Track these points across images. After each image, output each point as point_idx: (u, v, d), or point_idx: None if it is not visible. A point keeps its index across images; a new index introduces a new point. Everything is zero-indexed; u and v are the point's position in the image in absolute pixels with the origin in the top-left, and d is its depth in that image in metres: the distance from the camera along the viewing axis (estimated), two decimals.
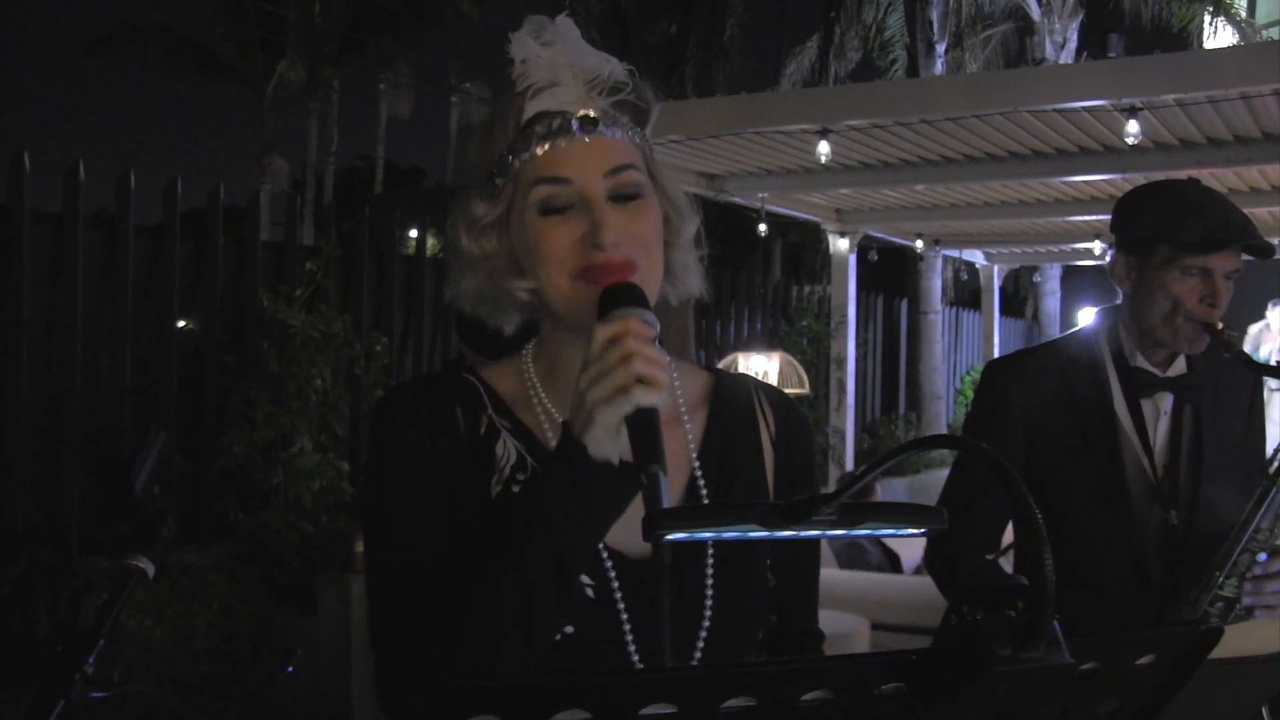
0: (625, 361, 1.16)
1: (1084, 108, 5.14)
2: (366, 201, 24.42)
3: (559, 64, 1.34)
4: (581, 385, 1.19)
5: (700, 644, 1.36)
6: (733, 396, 1.51)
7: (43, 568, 4.88)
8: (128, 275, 6.30)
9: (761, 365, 8.45)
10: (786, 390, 8.56)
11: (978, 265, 11.66)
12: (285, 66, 26.01)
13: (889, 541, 6.55)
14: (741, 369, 8.51)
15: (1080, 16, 16.72)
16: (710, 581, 1.37)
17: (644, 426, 1.16)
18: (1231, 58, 5.45)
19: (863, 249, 9.65)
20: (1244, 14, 15.51)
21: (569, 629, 1.29)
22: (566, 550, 1.22)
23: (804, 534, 1.09)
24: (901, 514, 1.13)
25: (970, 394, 15.25)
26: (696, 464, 1.43)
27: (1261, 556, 2.26)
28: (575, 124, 1.32)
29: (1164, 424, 2.50)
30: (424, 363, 8.09)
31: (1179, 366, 2.52)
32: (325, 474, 6.23)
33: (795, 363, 8.60)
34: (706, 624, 1.36)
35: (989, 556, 2.61)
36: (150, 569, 1.19)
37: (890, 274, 14.68)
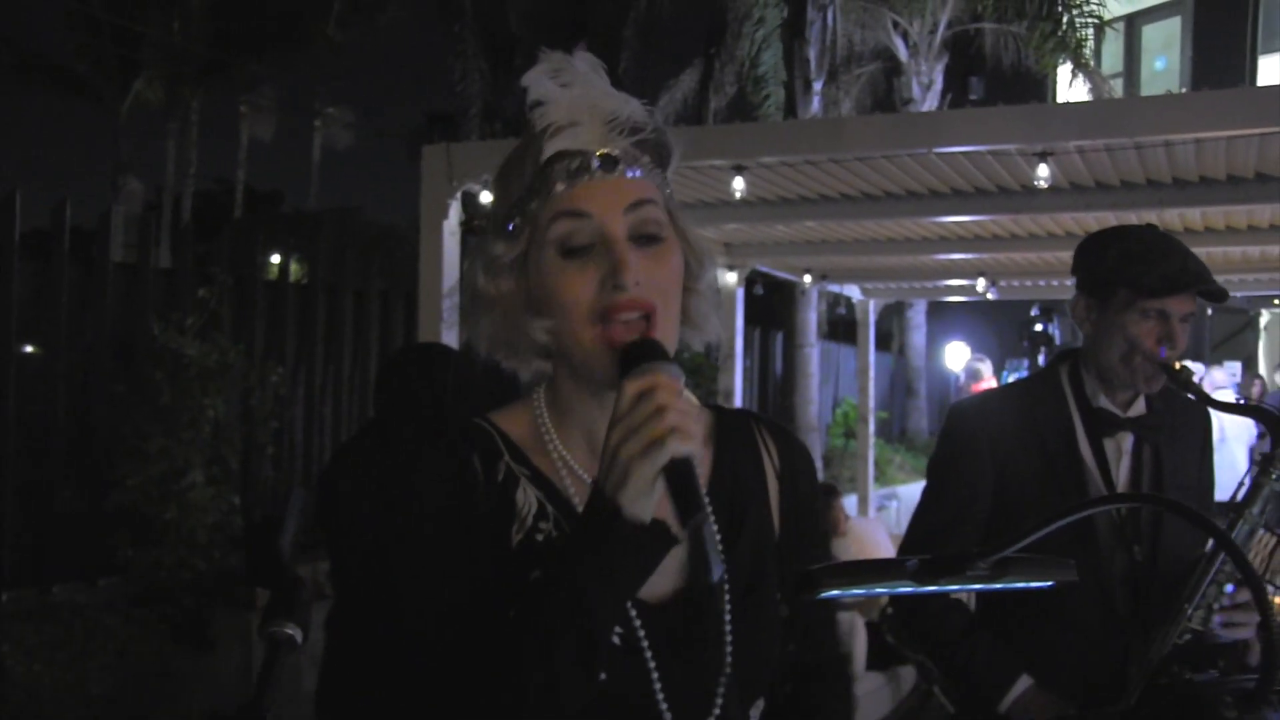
0: (658, 415, 1.15)
1: (990, 151, 5.30)
2: (224, 225, 23.84)
3: (578, 104, 1.33)
4: (613, 442, 1.17)
5: (723, 681, 1.35)
6: (735, 432, 1.51)
7: None
8: (11, 299, 6.01)
9: None
10: None
11: (854, 299, 11.88)
12: (142, 85, 25.28)
13: None
14: None
15: (945, 59, 17.29)
16: (729, 619, 1.37)
17: (682, 477, 1.15)
18: (1139, 108, 5.70)
19: (749, 283, 9.75)
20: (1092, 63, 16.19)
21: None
22: (599, 621, 1.19)
23: (952, 589, 1.11)
24: (1041, 567, 1.15)
25: (844, 426, 15.57)
26: (707, 501, 1.42)
27: (1229, 588, 2.33)
28: (595, 162, 1.31)
29: (1126, 463, 2.57)
30: (316, 392, 7.91)
31: (1139, 407, 2.59)
32: (220, 508, 6.03)
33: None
34: (729, 661, 1.36)
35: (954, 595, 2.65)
36: (299, 635, 1.13)
37: (767, 307, 14.87)
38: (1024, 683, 2.41)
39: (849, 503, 11.24)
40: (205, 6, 24.04)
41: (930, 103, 17.03)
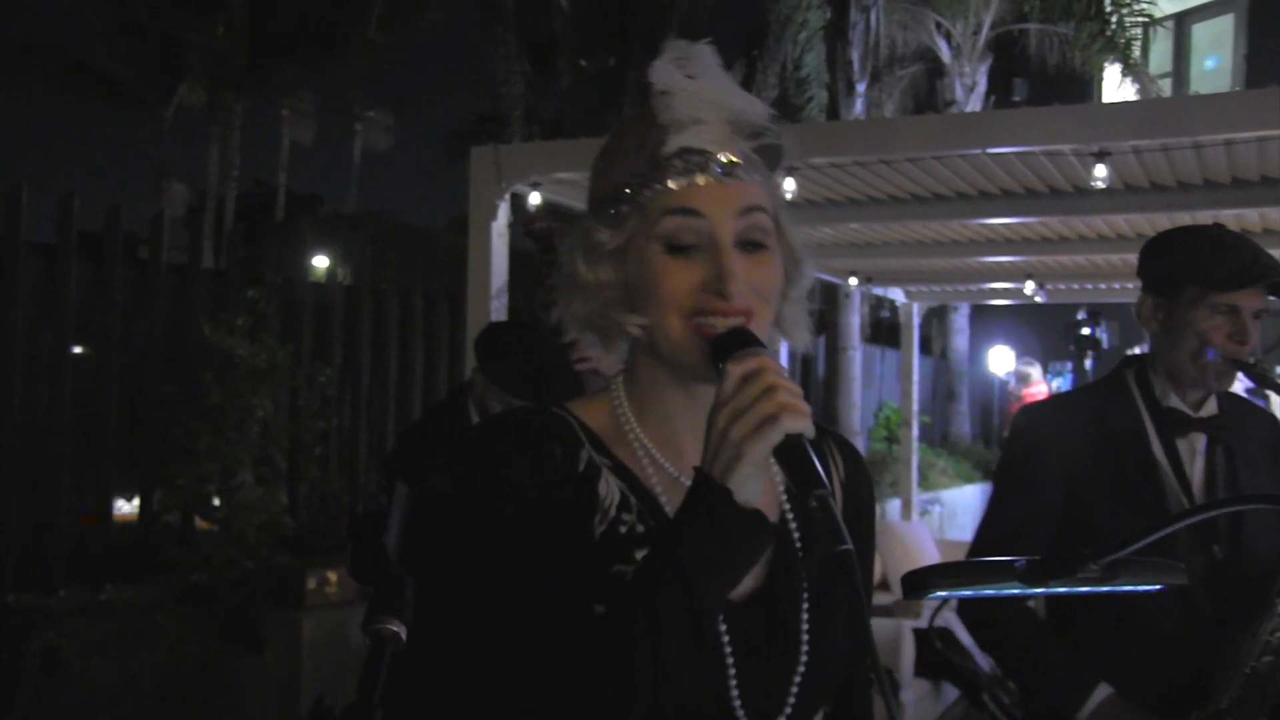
0: (769, 394, 1.14)
1: (1045, 151, 5.24)
2: (267, 228, 24.01)
3: (702, 100, 1.31)
4: (720, 425, 1.16)
5: (796, 685, 1.34)
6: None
7: None
8: (68, 302, 6.06)
9: None
10: None
11: (898, 303, 11.80)
12: (185, 90, 25.52)
13: None
14: None
15: (989, 60, 17.16)
16: (806, 622, 1.36)
17: (798, 453, 1.13)
18: (1198, 106, 5.61)
19: None
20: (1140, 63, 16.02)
21: None
22: (705, 606, 1.16)
23: (1062, 590, 1.08)
24: (1151, 571, 1.12)
25: (886, 430, 15.45)
26: (786, 505, 1.42)
27: None
28: (717, 167, 1.30)
29: (1199, 463, 2.53)
30: (363, 393, 7.94)
31: (1210, 408, 2.55)
32: (268, 508, 6.05)
33: None
34: (803, 665, 1.34)
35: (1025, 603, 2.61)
36: (403, 632, 1.11)
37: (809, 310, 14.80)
38: (1103, 691, 2.35)
39: (893, 507, 11.17)
40: (247, 11, 24.25)
41: (974, 105, 16.91)
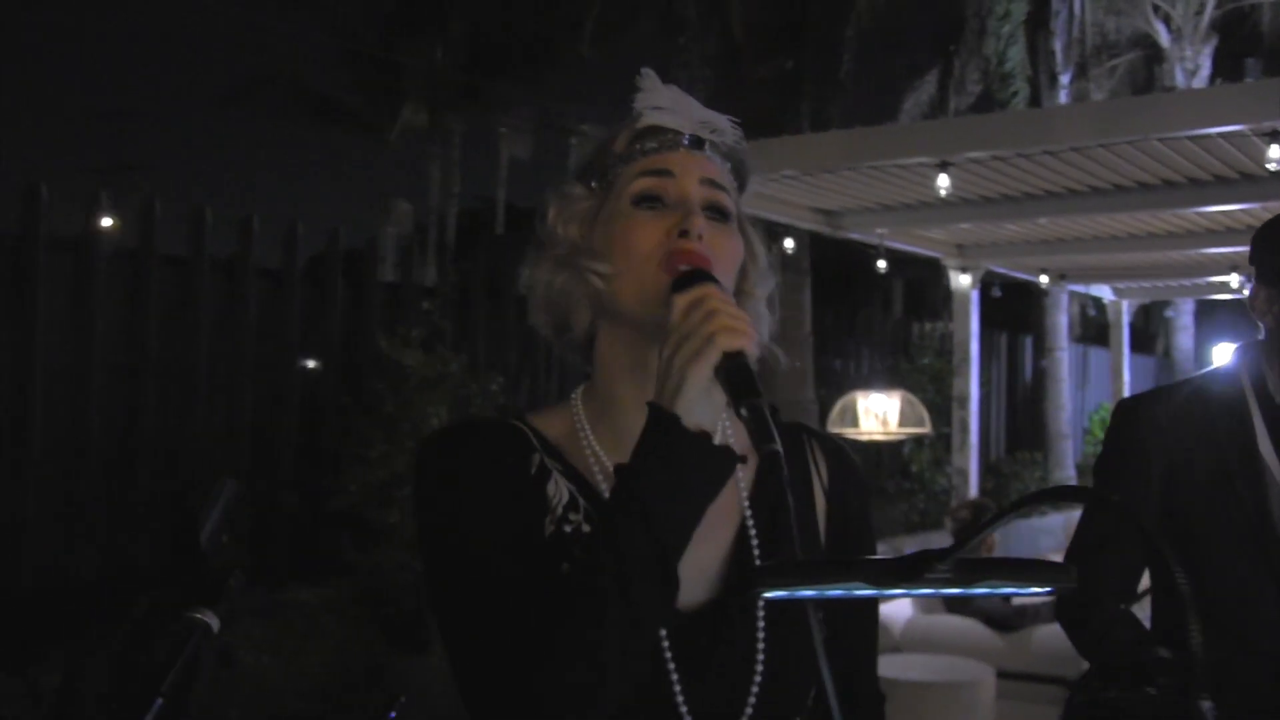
0: (709, 317, 1.16)
1: (1219, 134, 4.92)
2: (486, 242, 24.80)
3: (681, 100, 1.39)
4: (665, 354, 1.18)
5: (751, 701, 1.30)
6: (784, 444, 1.45)
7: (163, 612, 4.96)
8: (249, 317, 6.43)
9: (881, 404, 8.27)
10: (906, 430, 8.42)
11: (1105, 300, 11.31)
12: (409, 112, 26.57)
13: None
14: (860, 408, 8.34)
15: (1213, 42, 16.22)
16: (761, 636, 1.31)
17: (737, 370, 1.14)
18: None
19: (985, 285, 9.42)
20: None
21: None
22: (666, 533, 1.15)
23: (916, 592, 1.01)
24: (1024, 571, 1.03)
25: (1099, 433, 14.81)
26: (748, 511, 1.38)
27: None
28: (685, 139, 1.37)
29: None
30: (540, 401, 8.10)
31: None
32: None
33: (915, 401, 8.40)
34: (757, 681, 1.30)
35: (1124, 606, 2.45)
36: (215, 623, 1.14)
37: (1015, 310, 14.36)
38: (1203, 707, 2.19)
39: None
40: (464, 33, 25.09)
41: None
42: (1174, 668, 0.77)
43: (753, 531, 1.37)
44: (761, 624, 1.32)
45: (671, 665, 1.27)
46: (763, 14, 8.99)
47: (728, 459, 1.19)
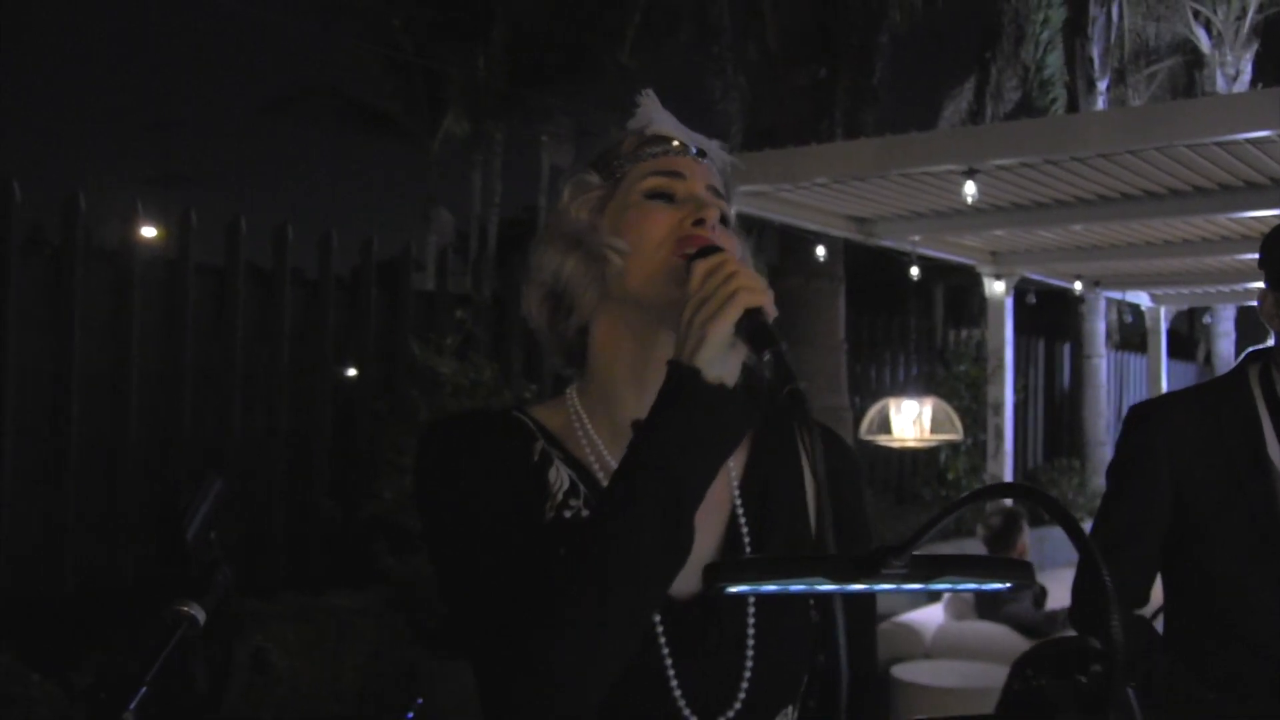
0: (728, 279, 1.22)
1: (1247, 139, 4.91)
2: (528, 251, 24.83)
3: (678, 122, 1.47)
4: (686, 316, 1.22)
5: (744, 686, 1.32)
6: (774, 432, 1.49)
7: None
8: (284, 325, 6.52)
9: (914, 411, 8.26)
10: (939, 436, 8.39)
11: (1143, 307, 11.24)
12: (451, 121, 26.69)
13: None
14: (893, 415, 8.33)
15: (1254, 47, 16.05)
16: (752, 622, 1.34)
17: (756, 324, 1.20)
18: None
19: (1020, 292, 9.38)
20: None
21: None
22: (683, 485, 1.19)
23: (875, 588, 1.04)
24: (983, 568, 1.06)
25: None
26: (738, 499, 1.41)
27: None
28: (692, 149, 1.44)
29: None
30: None
31: None
32: None
33: (948, 408, 8.38)
34: (749, 666, 1.33)
35: (1138, 612, 2.47)
36: (201, 615, 1.18)
37: (1051, 317, 14.26)
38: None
39: None
40: (506, 42, 25.19)
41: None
42: (1102, 656, 0.80)
43: (742, 519, 1.40)
44: (752, 611, 1.35)
45: (666, 651, 1.30)
46: (798, 22, 9.00)
47: (745, 410, 1.24)
